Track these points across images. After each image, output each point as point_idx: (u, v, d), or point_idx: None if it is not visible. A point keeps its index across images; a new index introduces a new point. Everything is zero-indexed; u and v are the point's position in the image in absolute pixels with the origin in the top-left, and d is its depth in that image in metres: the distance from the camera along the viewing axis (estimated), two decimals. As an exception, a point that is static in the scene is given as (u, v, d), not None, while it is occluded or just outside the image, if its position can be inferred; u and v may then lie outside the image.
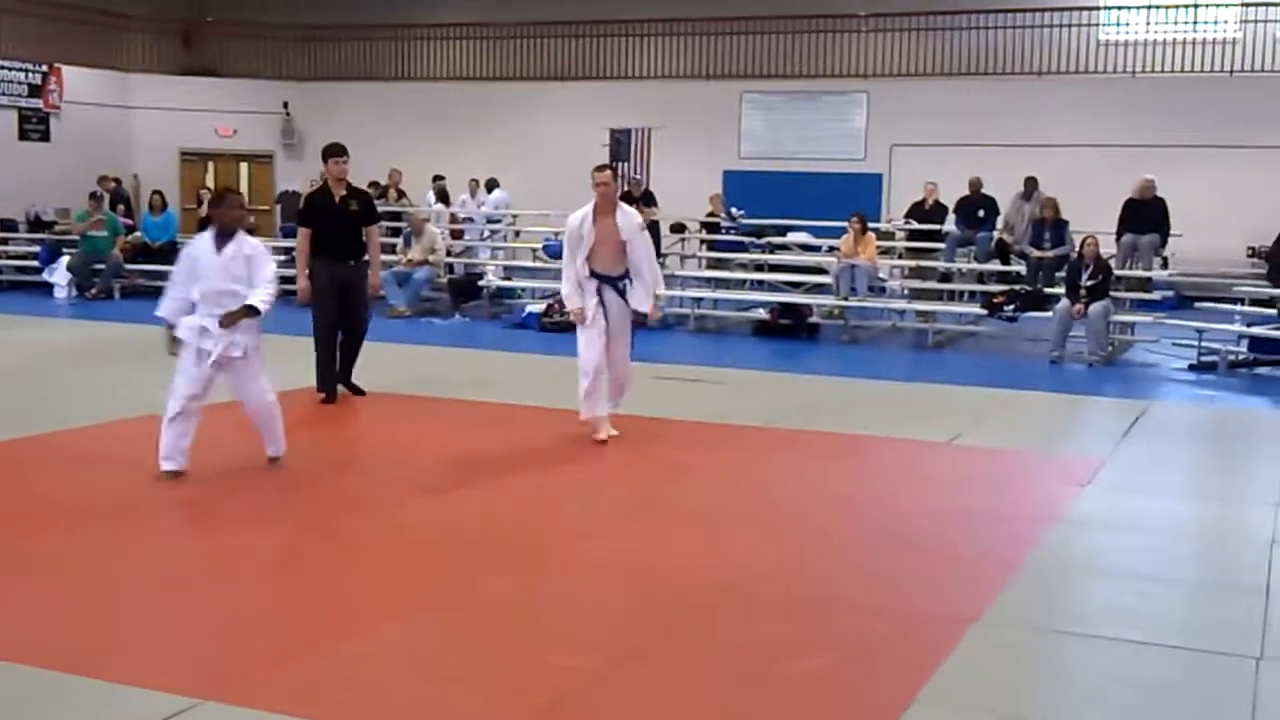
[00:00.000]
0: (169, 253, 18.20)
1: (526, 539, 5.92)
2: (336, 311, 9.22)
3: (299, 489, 6.86)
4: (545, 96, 23.75)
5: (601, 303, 8.01)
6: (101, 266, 17.28)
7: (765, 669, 4.33)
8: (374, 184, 20.40)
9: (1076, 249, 13.40)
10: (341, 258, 9.21)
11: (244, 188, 25.29)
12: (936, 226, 17.20)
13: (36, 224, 21.27)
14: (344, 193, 9.30)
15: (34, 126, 22.61)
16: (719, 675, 4.28)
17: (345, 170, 9.35)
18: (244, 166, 25.64)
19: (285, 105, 25.21)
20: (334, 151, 9.34)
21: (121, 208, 19.86)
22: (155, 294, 17.47)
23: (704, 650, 4.53)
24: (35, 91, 22.56)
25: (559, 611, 4.90)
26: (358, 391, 9.43)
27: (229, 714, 3.84)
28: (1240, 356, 12.75)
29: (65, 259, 17.47)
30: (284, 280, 17.68)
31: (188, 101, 24.61)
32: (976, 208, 16.39)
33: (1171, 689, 4.35)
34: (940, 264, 16.68)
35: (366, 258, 9.35)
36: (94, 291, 17.13)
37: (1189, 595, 5.41)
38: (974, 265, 16.37)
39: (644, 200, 17.67)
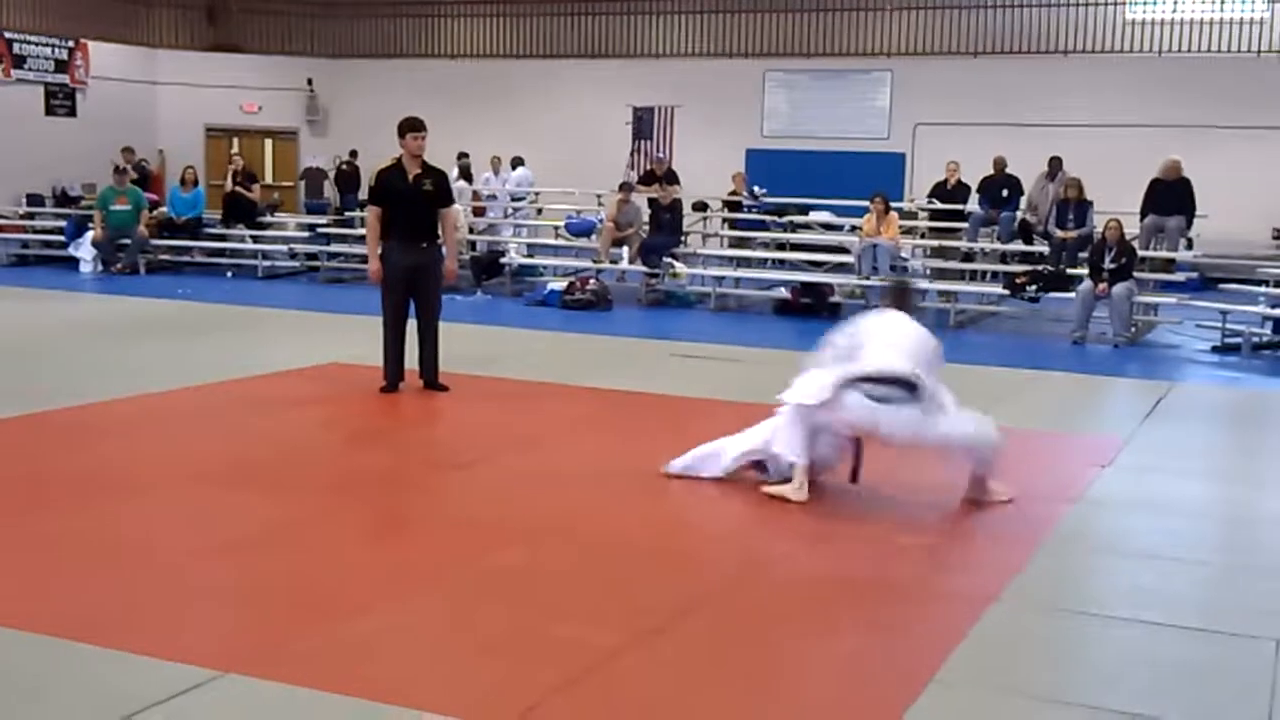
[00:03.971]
0: (194, 229, 18.35)
1: (545, 515, 5.94)
2: (406, 298, 8.73)
3: (320, 464, 6.91)
4: (568, 74, 23.72)
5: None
6: (127, 242, 17.36)
7: (784, 647, 4.35)
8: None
9: (1099, 230, 13.34)
10: (413, 240, 8.66)
11: (269, 164, 25.45)
12: (959, 206, 17.14)
13: (63, 199, 21.42)
14: (418, 171, 8.71)
15: (60, 102, 22.72)
16: (738, 652, 4.31)
17: (423, 146, 8.78)
18: (269, 143, 25.71)
19: (310, 82, 25.25)
20: (412, 126, 8.68)
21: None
22: (180, 269, 17.76)
23: (721, 629, 4.55)
24: (62, 67, 22.64)
25: (577, 587, 4.93)
26: (441, 388, 8.79)
27: (250, 685, 3.88)
28: (1264, 338, 12.67)
29: (91, 234, 17.56)
30: (309, 257, 17.98)
31: (213, 78, 24.67)
32: (1000, 187, 16.32)
33: (1191, 670, 4.35)
34: (963, 244, 16.62)
35: (440, 241, 8.86)
36: (119, 267, 17.21)
37: (1209, 577, 5.41)
38: (997, 245, 16.30)
39: (666, 179, 17.65)
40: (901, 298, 6.72)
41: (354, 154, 22.18)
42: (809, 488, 6.15)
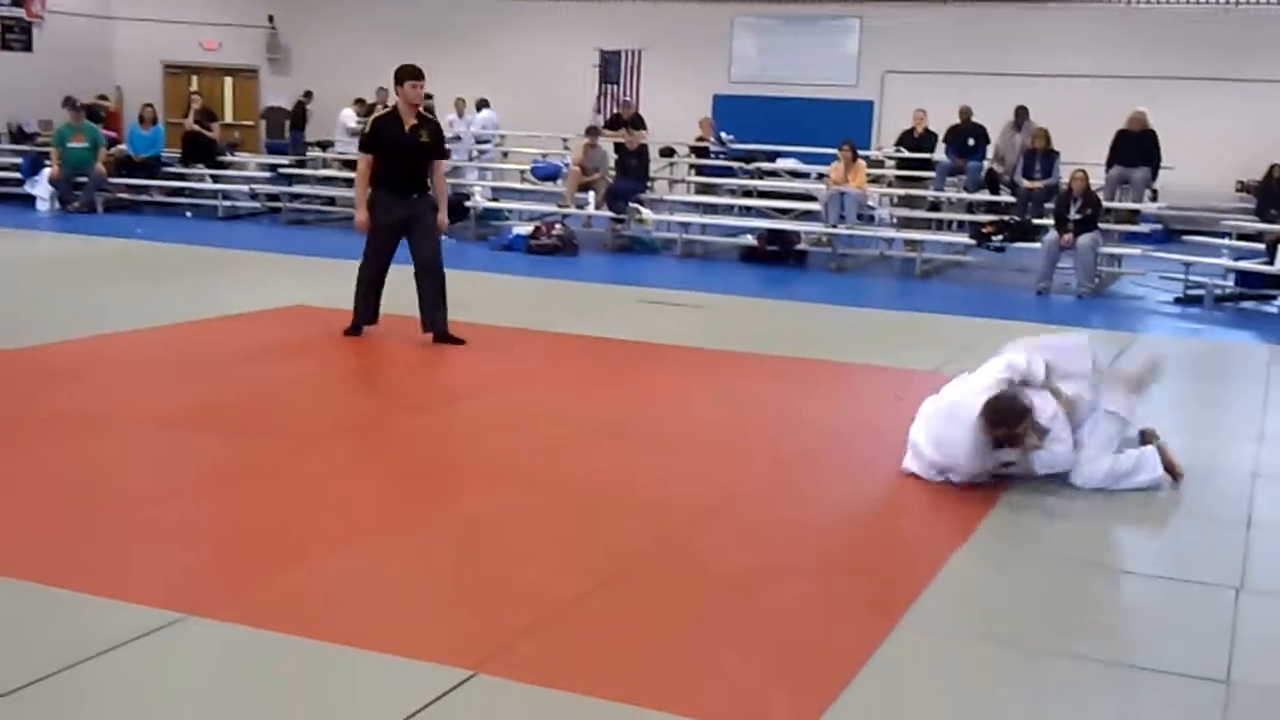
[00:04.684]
0: (153, 167, 18.08)
1: (510, 459, 5.91)
2: (391, 250, 8.55)
3: (285, 406, 6.84)
4: (535, 16, 23.46)
5: None
6: (84, 180, 17.08)
7: (748, 593, 4.35)
8: (360, 101, 20.19)
9: (1065, 181, 13.36)
10: (404, 192, 8.43)
11: (228, 103, 25.09)
12: (927, 155, 17.12)
13: (19, 135, 21.05)
14: (414, 121, 8.42)
15: (16, 36, 22.30)
16: (702, 598, 4.30)
17: (422, 95, 8.50)
18: (228, 81, 25.34)
19: (271, 19, 24.86)
20: (412, 74, 8.32)
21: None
22: (138, 208, 17.48)
23: (687, 573, 4.54)
24: (18, 1, 22.18)
25: (541, 533, 4.91)
26: (456, 340, 8.52)
27: (212, 628, 3.84)
28: (1226, 291, 12.77)
29: (47, 171, 17.27)
30: (270, 198, 17.77)
31: (172, 13, 24.27)
32: (966, 137, 16.31)
33: (1154, 616, 4.39)
34: (930, 193, 16.62)
35: (430, 192, 8.63)
36: (76, 205, 16.95)
37: (1172, 526, 5.45)
38: (963, 195, 16.32)
39: (633, 123, 17.52)
40: (992, 411, 5.49)
41: (308, 94, 21.90)
42: None
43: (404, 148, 8.42)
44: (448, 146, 19.83)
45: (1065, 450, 5.58)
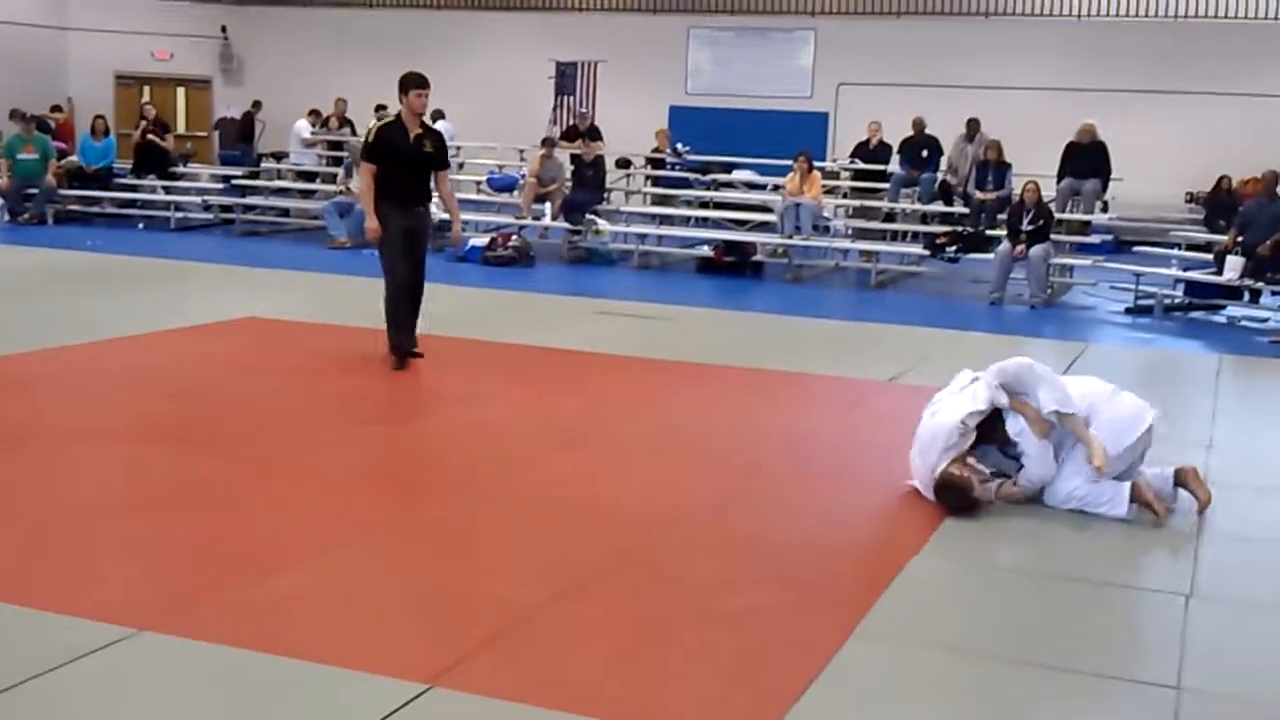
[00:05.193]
0: (104, 178, 17.90)
1: (468, 471, 5.90)
2: (411, 253, 8.28)
3: (240, 420, 6.79)
4: (491, 27, 23.43)
5: None
6: (34, 191, 16.89)
7: (704, 603, 4.35)
8: (314, 112, 20.08)
9: (1018, 192, 13.50)
10: (409, 202, 8.21)
11: (181, 113, 24.89)
12: (881, 166, 17.23)
13: (-34, 147, 20.78)
14: (419, 131, 8.23)
15: (-36, 47, 22.03)
16: (660, 609, 4.31)
17: (426, 105, 8.31)
18: (181, 91, 25.14)
19: (224, 29, 24.70)
20: (417, 82, 8.13)
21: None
22: (90, 220, 17.27)
23: (645, 584, 4.55)
24: (-35, 11, 21.96)
25: (500, 544, 4.91)
26: (414, 354, 8.34)
27: (166, 644, 3.81)
28: (1175, 300, 12.93)
29: (-3, 183, 17.06)
30: (224, 210, 17.63)
31: (124, 23, 24.05)
32: (920, 148, 16.44)
33: (1105, 623, 4.43)
34: (884, 204, 16.72)
35: (433, 203, 8.43)
36: (26, 217, 16.76)
37: (1122, 533, 5.49)
38: (917, 206, 16.43)
39: (589, 135, 17.53)
40: (945, 506, 5.54)
41: (257, 105, 21.74)
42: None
43: (408, 158, 8.23)
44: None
45: (1037, 462, 5.59)
